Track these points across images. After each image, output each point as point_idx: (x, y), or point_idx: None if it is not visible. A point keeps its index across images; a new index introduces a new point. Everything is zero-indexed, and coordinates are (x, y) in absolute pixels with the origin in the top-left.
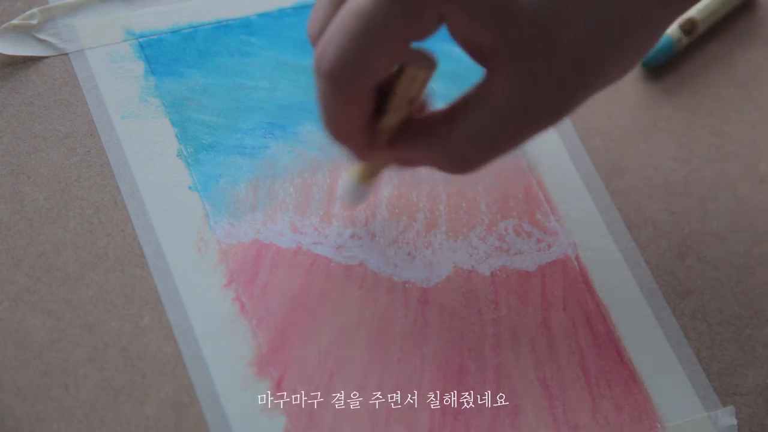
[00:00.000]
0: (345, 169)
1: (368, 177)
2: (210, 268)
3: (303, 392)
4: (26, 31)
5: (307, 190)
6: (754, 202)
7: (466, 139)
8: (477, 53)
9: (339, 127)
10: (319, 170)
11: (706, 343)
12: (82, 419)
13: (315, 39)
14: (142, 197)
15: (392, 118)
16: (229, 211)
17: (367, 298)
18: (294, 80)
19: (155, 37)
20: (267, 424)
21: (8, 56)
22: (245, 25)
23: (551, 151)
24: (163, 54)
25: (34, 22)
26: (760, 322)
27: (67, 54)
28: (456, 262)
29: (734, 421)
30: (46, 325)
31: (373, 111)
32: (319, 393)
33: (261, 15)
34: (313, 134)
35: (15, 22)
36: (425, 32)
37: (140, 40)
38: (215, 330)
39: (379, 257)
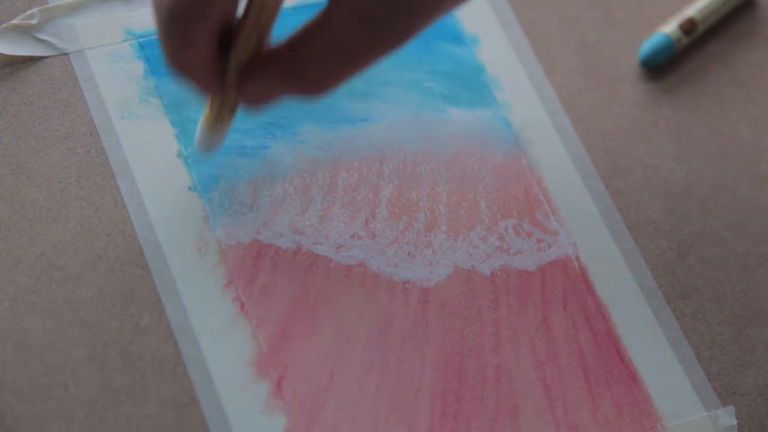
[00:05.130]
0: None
1: (217, 122)
2: (210, 268)
3: (303, 392)
4: (26, 31)
5: (307, 190)
6: (754, 202)
7: (315, 61)
8: None
9: (182, 64)
10: (319, 170)
11: (706, 343)
12: (82, 419)
13: None
14: (142, 197)
15: (241, 54)
16: (229, 212)
17: (367, 298)
18: None
19: (155, 37)
20: (267, 424)
21: (8, 56)
22: None
23: (551, 151)
24: None
25: (34, 22)
26: (760, 322)
27: (67, 54)
28: (456, 262)
29: (734, 421)
30: (46, 325)
31: (219, 48)
32: (319, 393)
33: None
34: (313, 134)
35: (15, 22)
36: None
37: (140, 40)
38: (215, 330)
39: (379, 257)
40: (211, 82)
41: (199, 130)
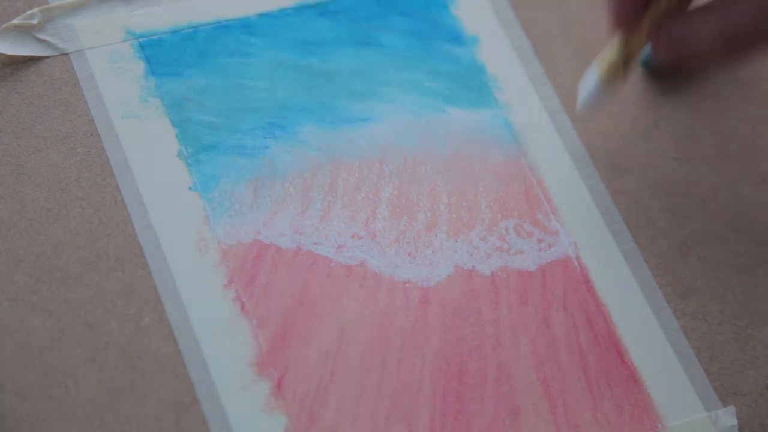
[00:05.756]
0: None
1: (614, 73)
2: (210, 268)
3: (303, 392)
4: (26, 31)
5: (307, 190)
6: (754, 202)
7: (745, 11)
8: None
9: None
10: (319, 170)
11: (706, 343)
12: (82, 419)
13: None
14: (142, 197)
15: (662, 5)
16: (230, 212)
17: (367, 298)
18: (294, 80)
19: (155, 37)
20: (267, 424)
21: (8, 56)
22: (245, 25)
23: (551, 151)
24: (163, 54)
25: (34, 22)
26: (760, 322)
27: (67, 54)
28: (456, 262)
29: (734, 421)
30: (46, 325)
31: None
32: (319, 393)
33: (261, 15)
34: (313, 134)
35: (15, 22)
36: None
37: (140, 40)
38: (215, 330)
39: (379, 257)
40: (629, 15)
41: (590, 85)
